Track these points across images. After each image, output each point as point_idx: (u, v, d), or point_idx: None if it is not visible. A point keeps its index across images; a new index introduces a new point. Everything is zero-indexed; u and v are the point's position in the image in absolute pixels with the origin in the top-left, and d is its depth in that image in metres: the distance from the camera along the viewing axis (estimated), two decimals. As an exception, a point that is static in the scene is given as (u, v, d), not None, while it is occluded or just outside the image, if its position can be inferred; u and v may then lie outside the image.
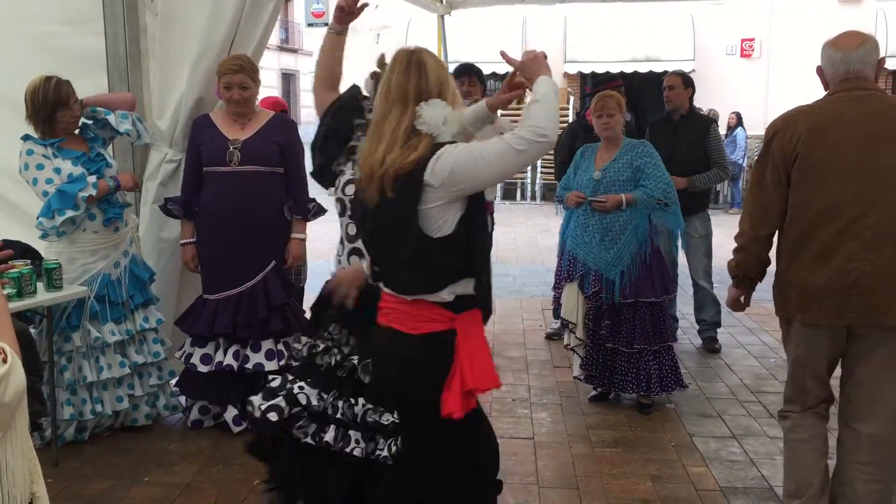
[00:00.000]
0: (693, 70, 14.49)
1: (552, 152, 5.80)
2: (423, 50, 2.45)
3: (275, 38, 28.59)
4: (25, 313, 3.80)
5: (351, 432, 2.86)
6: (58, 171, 3.93)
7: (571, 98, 15.89)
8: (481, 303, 2.48)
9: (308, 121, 31.36)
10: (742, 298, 3.21)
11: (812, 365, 3.01)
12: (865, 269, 2.78)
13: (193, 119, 4.29)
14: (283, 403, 2.85)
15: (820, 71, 2.98)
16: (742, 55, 17.19)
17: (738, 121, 14.55)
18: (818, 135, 2.84)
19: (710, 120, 6.08)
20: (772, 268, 3.11)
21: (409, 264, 2.36)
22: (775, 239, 3.05)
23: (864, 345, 2.89)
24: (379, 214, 2.39)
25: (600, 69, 15.73)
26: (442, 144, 2.32)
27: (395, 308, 2.42)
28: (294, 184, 4.26)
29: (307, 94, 34.46)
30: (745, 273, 3.10)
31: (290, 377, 2.93)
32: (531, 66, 2.44)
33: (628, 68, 15.58)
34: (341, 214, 2.99)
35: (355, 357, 2.88)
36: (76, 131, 4.11)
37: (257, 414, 2.86)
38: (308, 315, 3.09)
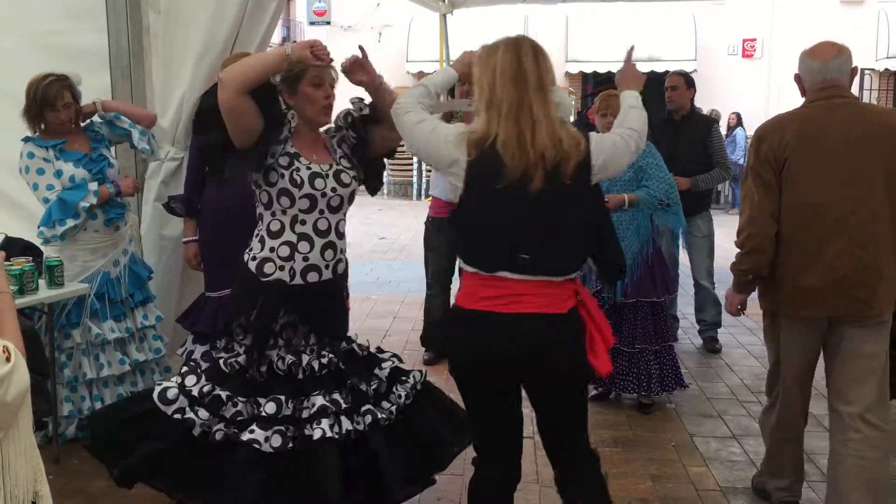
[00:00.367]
0: (694, 70, 14.50)
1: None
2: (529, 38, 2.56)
3: (276, 36, 28.56)
4: (24, 310, 3.81)
5: (342, 418, 2.91)
6: (59, 173, 3.93)
7: (573, 98, 15.89)
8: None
9: (309, 119, 31.33)
10: (741, 303, 3.33)
11: (797, 356, 3.20)
12: (852, 266, 2.97)
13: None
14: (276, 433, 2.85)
15: (798, 78, 3.16)
16: (744, 55, 17.19)
17: (738, 121, 14.55)
18: (804, 140, 3.01)
19: (712, 120, 6.08)
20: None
21: (568, 247, 2.49)
22: None
23: (848, 334, 3.07)
24: (548, 200, 2.40)
25: (602, 69, 15.74)
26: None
27: (539, 293, 2.45)
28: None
29: (308, 92, 34.50)
30: (757, 274, 3.17)
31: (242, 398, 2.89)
32: (628, 78, 2.79)
33: (630, 68, 15.54)
34: (309, 210, 2.91)
35: (328, 353, 2.98)
36: (83, 128, 4.12)
37: (266, 448, 2.81)
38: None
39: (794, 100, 3.21)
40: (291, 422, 2.89)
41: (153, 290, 4.42)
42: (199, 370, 3.00)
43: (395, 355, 3.21)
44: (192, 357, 4.20)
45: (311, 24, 20.02)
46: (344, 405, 2.94)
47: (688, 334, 6.11)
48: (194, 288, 4.44)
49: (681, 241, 5.75)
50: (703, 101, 13.55)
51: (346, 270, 3.12)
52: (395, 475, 2.91)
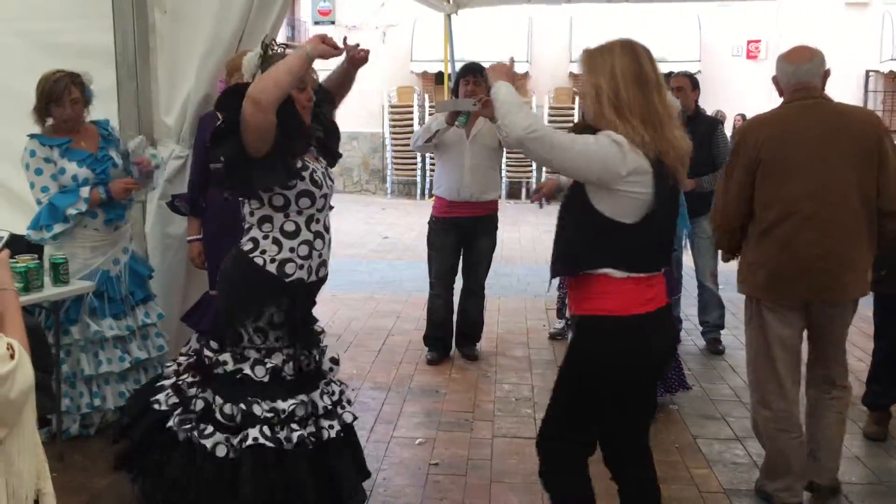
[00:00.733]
0: (699, 71, 14.46)
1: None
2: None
3: (281, 35, 28.55)
4: (26, 307, 3.82)
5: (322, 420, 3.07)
6: (62, 171, 3.96)
7: (578, 98, 15.88)
8: None
9: (313, 118, 31.34)
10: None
11: (782, 337, 3.38)
12: (821, 254, 3.21)
13: (200, 116, 4.30)
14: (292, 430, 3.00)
15: (775, 80, 3.40)
16: (748, 57, 17.14)
17: (744, 122, 14.49)
18: (778, 139, 3.25)
19: (716, 121, 6.06)
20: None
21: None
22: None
23: (822, 316, 3.36)
24: (674, 197, 2.56)
25: (606, 69, 15.71)
26: None
27: (661, 285, 2.59)
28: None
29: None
30: (728, 252, 3.58)
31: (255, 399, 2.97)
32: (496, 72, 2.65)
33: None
34: (322, 209, 3.00)
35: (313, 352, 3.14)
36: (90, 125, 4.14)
37: (288, 445, 2.95)
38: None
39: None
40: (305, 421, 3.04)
41: (157, 288, 4.43)
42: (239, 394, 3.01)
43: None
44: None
45: (316, 23, 20.01)
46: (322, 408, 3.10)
47: (691, 336, 6.10)
48: (198, 286, 4.45)
49: (684, 243, 5.74)
50: (707, 102, 13.52)
51: None
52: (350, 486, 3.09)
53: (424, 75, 16.82)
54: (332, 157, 3.17)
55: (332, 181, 3.09)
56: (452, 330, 5.65)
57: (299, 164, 2.90)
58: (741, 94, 16.05)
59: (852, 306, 3.39)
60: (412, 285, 7.89)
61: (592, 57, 2.51)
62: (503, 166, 14.68)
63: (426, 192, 15.86)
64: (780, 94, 3.40)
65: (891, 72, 16.72)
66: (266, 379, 2.98)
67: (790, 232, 3.23)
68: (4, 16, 4.64)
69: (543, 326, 6.51)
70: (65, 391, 4.06)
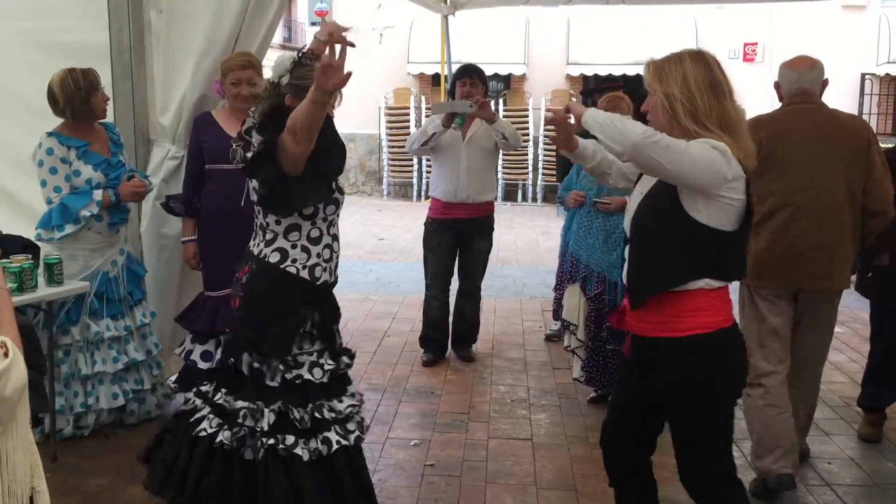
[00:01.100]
0: (695, 73, 14.48)
1: (554, 154, 5.80)
2: None
3: (278, 36, 28.59)
4: (20, 307, 3.81)
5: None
6: (77, 173, 3.98)
7: (574, 101, 15.87)
8: None
9: (310, 119, 31.32)
10: None
11: (773, 321, 3.61)
12: (810, 245, 3.47)
13: (195, 116, 4.29)
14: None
15: (777, 86, 3.68)
16: (745, 59, 17.17)
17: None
18: (777, 138, 3.49)
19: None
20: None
21: None
22: None
23: (807, 302, 3.62)
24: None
25: (603, 71, 15.72)
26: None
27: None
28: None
29: (309, 93, 34.49)
30: None
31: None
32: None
33: (631, 71, 15.55)
34: (338, 214, 3.07)
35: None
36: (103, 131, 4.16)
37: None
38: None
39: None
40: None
41: (152, 288, 4.44)
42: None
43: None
44: (191, 357, 4.20)
45: (313, 24, 20.05)
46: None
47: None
48: (193, 287, 4.44)
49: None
50: (704, 105, 13.54)
51: None
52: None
53: (421, 77, 16.81)
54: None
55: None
56: (448, 331, 5.65)
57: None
58: (738, 96, 16.03)
59: (835, 301, 3.66)
60: (408, 287, 7.89)
61: (661, 67, 2.47)
62: (499, 168, 14.69)
63: (422, 193, 15.85)
64: (780, 99, 3.67)
65: (887, 75, 16.74)
66: (325, 380, 3.03)
67: (783, 222, 3.48)
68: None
69: (539, 328, 6.51)
70: (59, 391, 4.06)
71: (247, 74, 4.04)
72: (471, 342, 5.73)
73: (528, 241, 11.20)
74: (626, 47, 15.93)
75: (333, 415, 3.02)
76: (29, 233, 4.07)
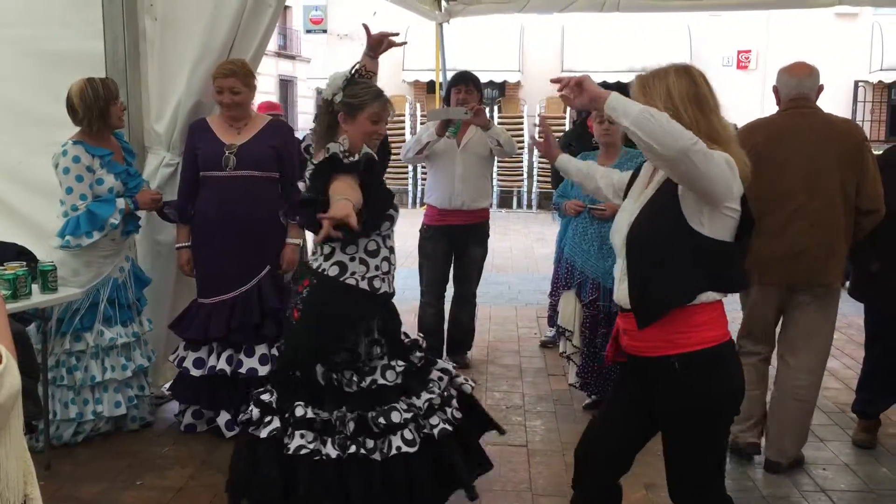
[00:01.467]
0: (690, 81, 14.53)
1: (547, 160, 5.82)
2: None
3: (273, 44, 28.60)
4: (23, 314, 3.81)
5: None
6: (100, 181, 4.00)
7: (569, 107, 15.91)
8: None
9: (304, 127, 31.32)
10: None
11: (763, 314, 3.94)
12: (809, 243, 3.68)
13: (190, 123, 4.29)
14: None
15: (776, 90, 3.87)
16: (738, 67, 17.26)
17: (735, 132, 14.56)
18: (775, 140, 3.72)
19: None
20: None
21: None
22: None
23: (803, 298, 3.83)
24: None
25: (597, 78, 15.28)
26: None
27: None
28: (290, 188, 4.26)
29: (304, 101, 34.40)
30: None
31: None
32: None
33: (625, 78, 15.62)
34: (392, 226, 3.15)
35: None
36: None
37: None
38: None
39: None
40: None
41: (148, 295, 4.43)
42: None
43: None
44: (183, 364, 4.20)
45: (308, 32, 20.05)
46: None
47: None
48: (187, 294, 4.44)
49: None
50: (698, 112, 13.57)
51: None
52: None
53: (416, 84, 16.86)
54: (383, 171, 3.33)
55: None
56: (443, 338, 5.64)
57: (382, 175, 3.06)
58: (732, 103, 16.04)
59: (830, 298, 3.85)
60: (403, 293, 7.86)
61: (645, 81, 2.46)
62: (494, 175, 14.71)
63: (417, 200, 15.86)
64: (778, 103, 3.86)
65: (880, 82, 16.85)
66: (399, 381, 3.10)
67: (782, 220, 3.68)
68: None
69: (535, 335, 6.51)
70: (71, 398, 4.07)
71: (228, 83, 4.04)
72: (466, 349, 5.73)
73: (523, 248, 11.21)
74: (621, 54, 16.01)
75: (410, 414, 3.06)
76: (22, 239, 4.07)
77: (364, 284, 3.05)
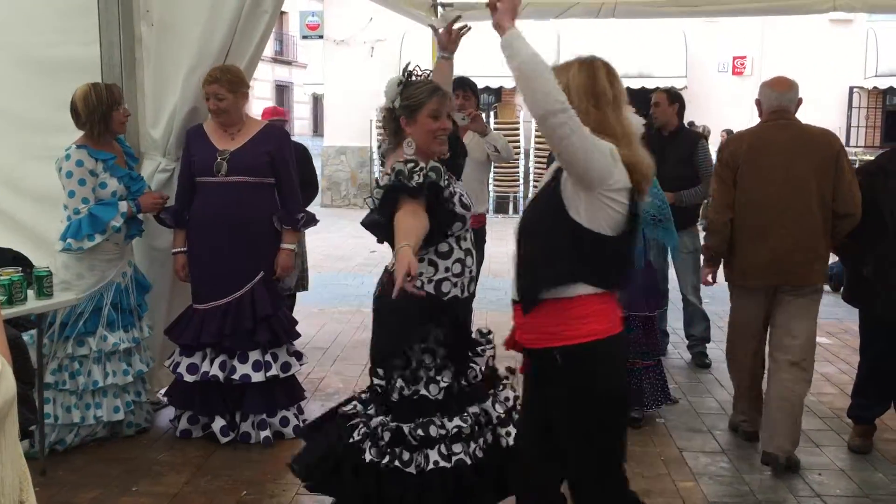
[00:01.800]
0: (685, 87, 14.57)
1: (545, 165, 5.82)
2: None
3: (269, 49, 28.63)
4: (18, 320, 3.81)
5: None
6: (103, 185, 4.01)
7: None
8: None
9: (301, 132, 31.34)
10: (710, 276, 4.30)
11: (753, 315, 4.15)
12: (791, 246, 3.89)
13: (187, 129, 4.29)
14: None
15: (758, 103, 4.13)
16: (734, 73, 17.28)
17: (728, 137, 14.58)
18: (755, 151, 4.00)
19: (699, 136, 6.07)
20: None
21: None
22: None
23: (786, 299, 4.02)
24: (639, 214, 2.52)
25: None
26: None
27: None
28: (284, 194, 4.26)
29: (300, 106, 34.46)
30: (717, 251, 4.14)
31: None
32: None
33: (621, 84, 15.66)
34: (466, 228, 3.09)
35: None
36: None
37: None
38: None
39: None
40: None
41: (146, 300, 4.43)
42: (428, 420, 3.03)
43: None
44: (178, 369, 4.19)
45: (304, 37, 20.08)
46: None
47: (677, 349, 6.12)
48: (182, 299, 4.44)
49: (668, 256, 5.75)
50: (693, 118, 13.60)
51: None
52: None
53: (412, 90, 16.86)
54: (457, 172, 3.20)
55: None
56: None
57: (447, 194, 2.93)
58: (727, 109, 16.17)
59: (815, 296, 4.04)
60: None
61: (554, 72, 2.46)
62: (490, 180, 14.73)
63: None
64: (760, 115, 4.13)
65: (875, 88, 16.89)
66: (441, 397, 3.00)
67: (764, 226, 3.93)
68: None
69: (530, 340, 6.49)
70: (74, 403, 4.07)
71: (212, 89, 4.06)
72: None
73: (519, 254, 11.19)
74: (616, 60, 15.95)
75: (443, 432, 2.98)
76: (17, 245, 4.07)
77: (430, 287, 2.97)
